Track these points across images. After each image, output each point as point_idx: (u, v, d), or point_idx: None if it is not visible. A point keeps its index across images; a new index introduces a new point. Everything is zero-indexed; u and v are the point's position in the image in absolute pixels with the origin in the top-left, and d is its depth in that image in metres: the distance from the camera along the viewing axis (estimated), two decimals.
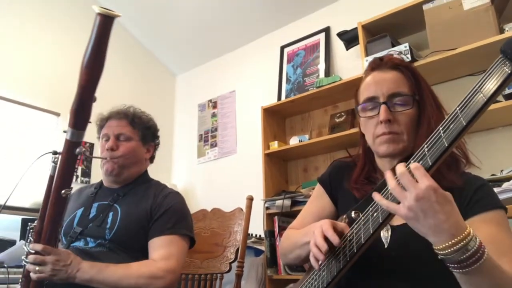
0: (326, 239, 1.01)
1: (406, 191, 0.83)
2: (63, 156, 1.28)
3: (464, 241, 0.79)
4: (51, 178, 1.40)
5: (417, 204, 0.81)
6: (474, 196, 1.04)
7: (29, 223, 1.47)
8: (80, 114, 1.22)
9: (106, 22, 1.12)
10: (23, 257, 1.43)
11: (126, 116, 1.85)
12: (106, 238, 1.65)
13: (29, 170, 1.52)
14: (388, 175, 0.88)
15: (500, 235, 0.99)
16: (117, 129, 1.81)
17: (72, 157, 1.27)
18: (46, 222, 1.34)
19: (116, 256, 1.62)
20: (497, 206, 1.04)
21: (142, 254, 1.63)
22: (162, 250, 1.60)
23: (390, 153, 1.13)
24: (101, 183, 1.92)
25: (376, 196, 0.92)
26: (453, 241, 0.79)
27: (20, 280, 1.47)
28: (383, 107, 1.14)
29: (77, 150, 1.26)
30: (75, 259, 1.46)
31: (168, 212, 1.69)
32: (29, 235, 1.43)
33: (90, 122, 1.26)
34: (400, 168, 0.84)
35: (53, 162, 1.42)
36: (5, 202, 1.51)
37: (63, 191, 1.29)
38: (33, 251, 1.38)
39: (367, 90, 1.21)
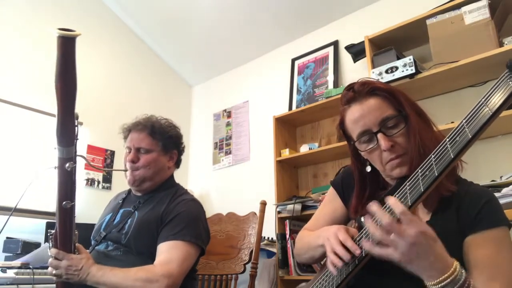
0: (343, 246, 1.00)
1: (396, 238, 0.83)
2: (58, 172, 1.30)
3: (453, 276, 0.82)
4: None
5: (411, 250, 0.82)
6: (479, 213, 0.99)
7: (48, 230, 1.49)
8: (63, 132, 1.24)
9: (66, 43, 1.11)
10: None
11: (145, 128, 1.82)
12: (122, 242, 1.66)
13: (52, 178, 1.52)
14: (368, 223, 0.88)
15: (498, 257, 0.95)
16: (137, 142, 1.79)
17: (64, 172, 1.29)
18: (58, 230, 1.41)
19: (129, 259, 1.62)
20: (500, 223, 0.99)
21: (152, 258, 1.59)
22: (163, 255, 1.57)
23: (404, 175, 1.07)
24: (129, 190, 1.92)
25: (366, 244, 0.90)
26: (443, 276, 0.82)
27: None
28: (380, 135, 1.08)
29: (67, 165, 1.28)
30: (86, 264, 1.47)
31: (176, 218, 1.65)
32: (50, 241, 1.47)
33: (77, 138, 1.27)
34: (386, 218, 0.83)
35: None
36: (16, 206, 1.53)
37: (63, 203, 1.32)
38: (52, 255, 1.45)
39: (356, 125, 1.14)
